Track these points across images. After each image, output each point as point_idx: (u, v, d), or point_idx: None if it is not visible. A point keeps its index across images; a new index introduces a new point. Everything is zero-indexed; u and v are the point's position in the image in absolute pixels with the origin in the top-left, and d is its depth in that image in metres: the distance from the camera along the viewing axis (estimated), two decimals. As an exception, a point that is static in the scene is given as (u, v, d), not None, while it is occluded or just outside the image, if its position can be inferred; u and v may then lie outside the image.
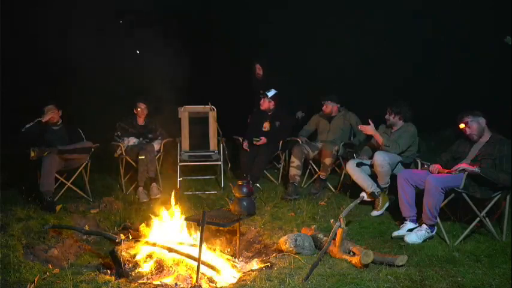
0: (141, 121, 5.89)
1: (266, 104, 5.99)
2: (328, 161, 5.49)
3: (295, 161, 5.55)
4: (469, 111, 4.03)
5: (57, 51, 7.44)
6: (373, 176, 4.81)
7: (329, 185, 5.69)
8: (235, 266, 3.54)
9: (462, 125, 4.05)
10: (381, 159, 4.63)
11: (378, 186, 4.75)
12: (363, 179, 4.82)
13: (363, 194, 4.73)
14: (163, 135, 5.95)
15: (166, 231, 3.70)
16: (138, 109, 5.82)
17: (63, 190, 5.06)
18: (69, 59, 7.21)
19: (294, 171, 5.53)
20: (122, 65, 7.12)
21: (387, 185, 4.75)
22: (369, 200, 4.77)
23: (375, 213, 4.69)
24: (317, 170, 5.76)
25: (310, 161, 5.79)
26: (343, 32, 8.30)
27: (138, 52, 7.10)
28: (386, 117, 4.95)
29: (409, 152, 4.85)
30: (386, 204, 4.73)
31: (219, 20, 8.96)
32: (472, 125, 4.00)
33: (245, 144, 5.85)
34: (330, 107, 5.83)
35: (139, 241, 3.61)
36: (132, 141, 5.70)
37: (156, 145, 5.76)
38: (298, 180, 5.55)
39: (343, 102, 5.95)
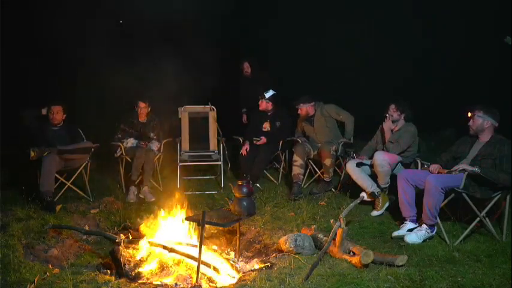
0: (142, 118, 5.84)
1: (264, 105, 5.97)
2: (328, 161, 5.47)
3: (298, 160, 5.53)
4: (486, 106, 4.00)
5: (57, 52, 7.45)
6: (373, 176, 4.81)
7: (329, 185, 5.70)
8: (235, 266, 3.54)
9: (469, 114, 4.05)
10: (380, 159, 4.63)
11: (378, 186, 4.75)
12: (362, 179, 4.82)
13: (363, 194, 4.73)
14: (160, 138, 5.87)
15: (167, 231, 3.71)
16: (138, 108, 5.79)
17: (63, 190, 5.06)
18: (68, 59, 7.22)
19: (297, 170, 5.52)
20: (122, 65, 7.13)
21: (387, 185, 4.75)
22: (369, 200, 4.77)
23: (374, 213, 4.69)
24: (317, 170, 5.76)
25: (310, 161, 5.78)
26: (343, 32, 8.31)
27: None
28: (390, 113, 4.94)
29: (408, 152, 4.85)
30: (386, 204, 4.73)
31: (219, 20, 8.96)
32: (476, 120, 3.99)
33: (245, 148, 5.82)
34: (304, 109, 5.77)
35: (139, 241, 3.61)
36: (131, 142, 5.65)
37: (155, 147, 5.72)
38: (302, 179, 5.54)
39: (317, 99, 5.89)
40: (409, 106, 4.95)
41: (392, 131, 4.94)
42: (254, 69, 6.73)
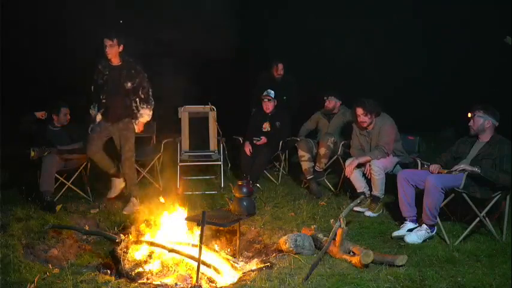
0: (113, 60, 4.64)
1: (271, 106, 5.95)
2: (322, 150, 5.48)
3: (305, 155, 5.53)
4: (485, 106, 4.00)
5: (57, 51, 7.45)
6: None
7: (329, 185, 5.70)
8: (235, 266, 3.54)
9: (470, 114, 4.05)
10: (376, 168, 4.64)
11: (374, 195, 4.75)
12: (356, 178, 4.85)
13: (362, 195, 4.76)
14: (147, 98, 4.70)
15: (167, 231, 3.71)
16: (105, 47, 4.55)
17: (63, 190, 5.06)
18: (68, 59, 7.22)
19: (306, 165, 5.52)
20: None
21: (383, 196, 4.75)
22: (363, 207, 4.78)
23: (369, 213, 4.69)
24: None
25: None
26: (344, 32, 8.31)
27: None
28: (362, 119, 4.80)
29: (397, 145, 4.83)
30: (381, 210, 4.74)
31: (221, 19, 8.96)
32: (477, 120, 3.99)
33: (247, 148, 5.80)
34: (333, 102, 5.79)
35: (139, 241, 3.61)
36: (98, 117, 4.65)
37: (145, 115, 4.70)
38: (312, 172, 5.54)
39: (343, 101, 5.95)
40: (374, 102, 4.79)
41: (367, 129, 4.90)
42: (285, 71, 6.68)
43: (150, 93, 4.73)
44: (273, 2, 9.02)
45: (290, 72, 6.82)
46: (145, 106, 4.69)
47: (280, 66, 6.65)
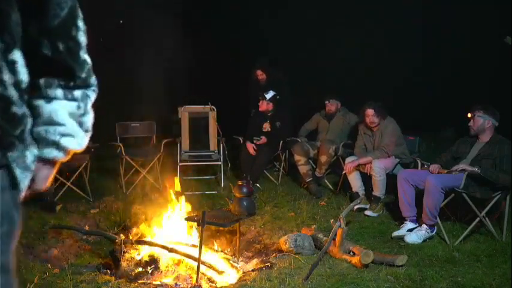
0: None
1: (264, 106, 5.95)
2: (323, 158, 5.51)
3: (301, 159, 5.56)
4: (485, 106, 4.00)
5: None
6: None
7: (329, 185, 5.70)
8: (235, 266, 3.54)
9: (470, 114, 4.06)
10: (377, 169, 4.65)
11: (374, 195, 4.76)
12: (354, 177, 4.89)
13: (362, 196, 4.77)
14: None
15: (167, 231, 3.71)
16: None
17: (63, 190, 5.06)
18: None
19: (304, 169, 5.54)
20: (121, 64, 7.12)
21: (383, 196, 4.76)
22: (364, 205, 4.78)
23: (369, 212, 4.70)
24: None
25: (310, 161, 5.79)
26: (343, 32, 8.30)
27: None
28: (371, 120, 4.86)
29: (398, 148, 4.84)
30: (381, 211, 4.75)
31: (220, 19, 8.97)
32: (477, 120, 4.00)
33: (250, 147, 5.79)
34: (335, 105, 5.84)
35: (139, 241, 3.61)
36: None
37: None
38: (311, 174, 5.56)
39: (343, 102, 5.96)
40: (382, 105, 4.92)
41: (372, 130, 4.95)
42: (268, 72, 6.63)
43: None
44: (273, 1, 9.02)
45: (286, 72, 6.81)
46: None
47: (259, 72, 6.59)
